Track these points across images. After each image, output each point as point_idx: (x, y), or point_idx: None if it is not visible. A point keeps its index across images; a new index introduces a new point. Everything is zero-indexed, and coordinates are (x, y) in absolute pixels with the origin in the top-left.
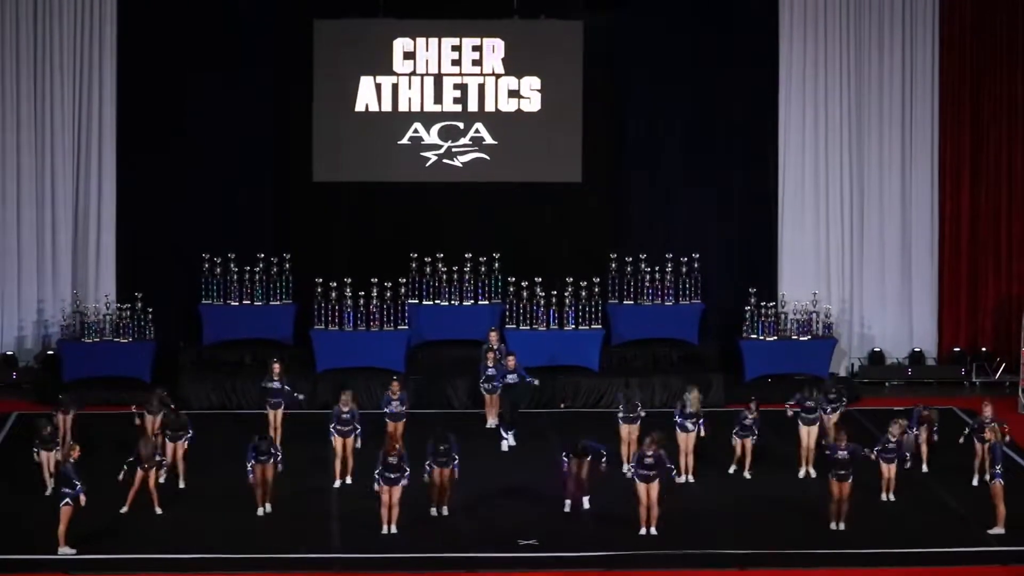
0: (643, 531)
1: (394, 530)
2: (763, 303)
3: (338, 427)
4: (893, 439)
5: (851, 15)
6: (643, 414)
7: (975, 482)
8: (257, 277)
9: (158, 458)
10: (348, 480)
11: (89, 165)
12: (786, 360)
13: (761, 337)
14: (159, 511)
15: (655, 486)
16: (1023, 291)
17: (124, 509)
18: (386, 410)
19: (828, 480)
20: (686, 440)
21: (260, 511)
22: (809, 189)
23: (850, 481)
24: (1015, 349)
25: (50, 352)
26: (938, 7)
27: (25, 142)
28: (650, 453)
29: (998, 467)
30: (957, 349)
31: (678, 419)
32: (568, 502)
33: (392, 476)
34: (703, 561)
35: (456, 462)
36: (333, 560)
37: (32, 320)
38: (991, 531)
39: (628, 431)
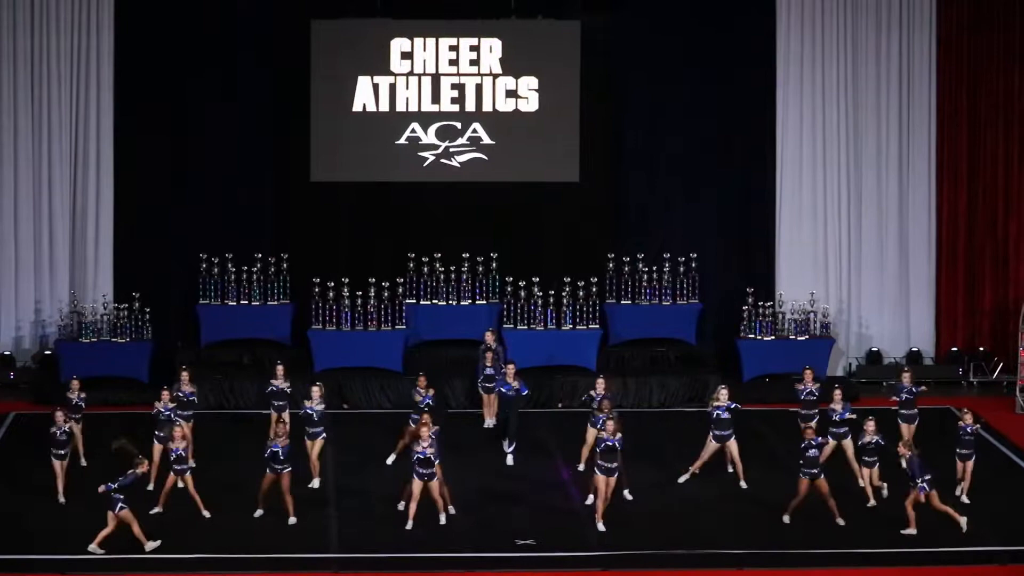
0: (600, 527)
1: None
2: (761, 303)
3: (308, 428)
4: (870, 437)
5: (848, 16)
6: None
7: (957, 491)
8: (255, 277)
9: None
10: (316, 483)
11: (87, 165)
12: (784, 360)
13: (759, 337)
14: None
15: (614, 480)
16: (1020, 291)
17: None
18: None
19: (799, 479)
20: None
21: (258, 513)
22: (807, 189)
23: (823, 478)
24: (1012, 349)
25: (47, 352)
26: (935, 7)
27: (23, 140)
28: (610, 437)
29: (919, 480)
30: (955, 349)
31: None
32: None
33: (425, 472)
34: (702, 561)
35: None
36: (331, 560)
37: (30, 320)
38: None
39: (594, 435)
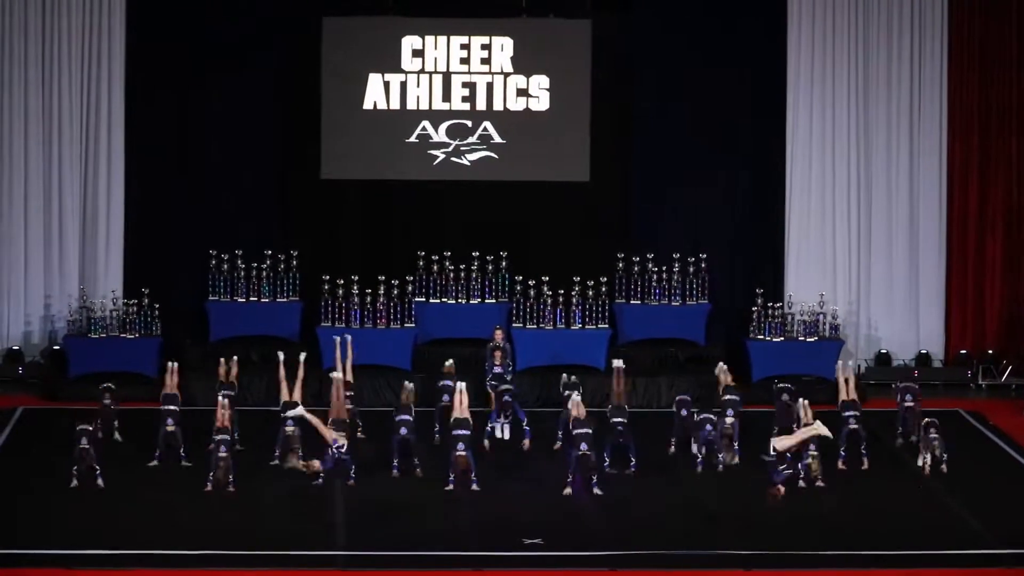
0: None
1: None
2: (770, 304)
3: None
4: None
5: (859, 15)
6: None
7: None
8: (264, 274)
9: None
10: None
11: (97, 160)
12: (793, 361)
13: (768, 338)
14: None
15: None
16: None
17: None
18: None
19: None
20: None
21: None
22: (816, 189)
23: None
24: (1022, 351)
25: (56, 347)
26: (947, 7)
27: (33, 136)
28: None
29: None
30: (964, 351)
31: None
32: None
33: None
34: (709, 562)
35: None
36: (336, 557)
37: (39, 315)
38: None
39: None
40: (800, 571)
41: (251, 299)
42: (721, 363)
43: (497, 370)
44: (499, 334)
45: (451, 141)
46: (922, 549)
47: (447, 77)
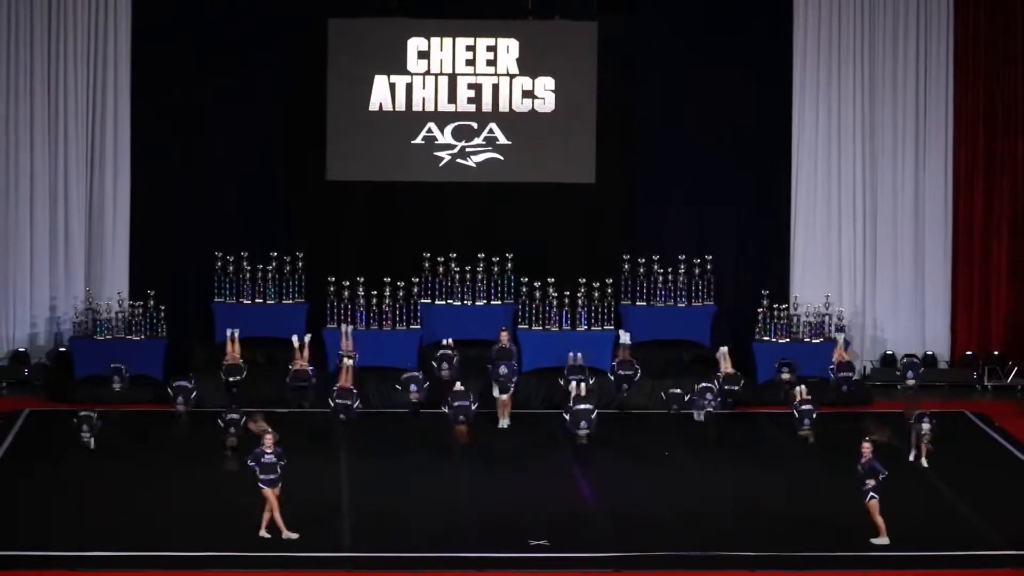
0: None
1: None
2: (776, 305)
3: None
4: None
5: (865, 17)
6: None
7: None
8: (270, 276)
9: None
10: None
11: (103, 162)
12: (799, 363)
13: (773, 339)
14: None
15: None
16: None
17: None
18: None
19: None
20: None
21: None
22: (822, 191)
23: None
24: None
25: (62, 349)
26: (952, 8)
27: (39, 138)
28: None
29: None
30: (969, 353)
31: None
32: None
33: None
34: (713, 563)
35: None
36: (344, 559)
37: (45, 317)
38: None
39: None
40: (803, 572)
41: (257, 300)
42: (723, 348)
43: (503, 371)
44: (504, 336)
45: (457, 143)
46: (927, 550)
47: (453, 79)
